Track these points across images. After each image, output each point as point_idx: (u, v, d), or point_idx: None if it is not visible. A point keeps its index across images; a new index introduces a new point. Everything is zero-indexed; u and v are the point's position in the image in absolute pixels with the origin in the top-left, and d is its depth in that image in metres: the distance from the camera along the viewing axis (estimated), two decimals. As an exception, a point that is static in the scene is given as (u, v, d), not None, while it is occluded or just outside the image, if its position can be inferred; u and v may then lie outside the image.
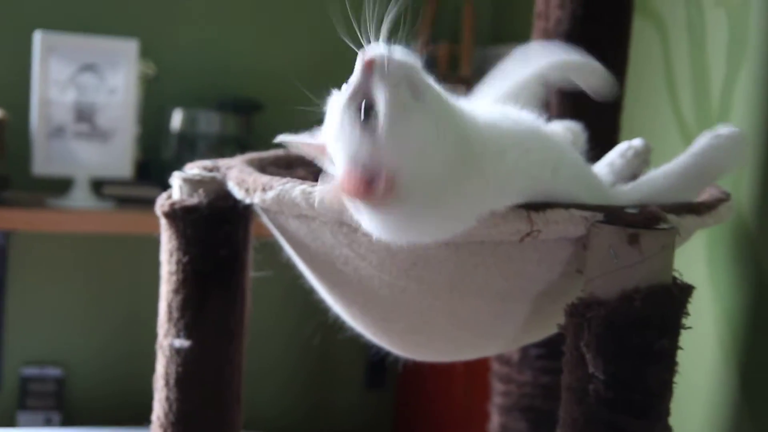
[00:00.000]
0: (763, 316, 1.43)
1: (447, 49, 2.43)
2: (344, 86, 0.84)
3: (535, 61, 1.11)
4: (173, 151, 2.24)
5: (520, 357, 1.53)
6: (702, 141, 0.99)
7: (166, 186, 1.11)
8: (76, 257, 2.40)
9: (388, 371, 2.72)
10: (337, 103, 0.84)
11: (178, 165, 2.16)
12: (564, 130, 1.26)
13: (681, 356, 0.87)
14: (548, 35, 1.42)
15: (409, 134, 0.80)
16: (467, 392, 2.21)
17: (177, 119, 2.23)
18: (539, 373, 1.52)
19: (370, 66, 0.82)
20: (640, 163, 1.21)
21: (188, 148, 2.23)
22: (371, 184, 0.79)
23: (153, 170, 2.29)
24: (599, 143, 1.16)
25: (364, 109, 0.80)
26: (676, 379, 0.87)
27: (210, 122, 2.24)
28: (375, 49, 0.83)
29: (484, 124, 0.88)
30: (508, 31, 2.50)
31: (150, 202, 1.12)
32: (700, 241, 1.56)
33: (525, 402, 1.54)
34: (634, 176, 1.21)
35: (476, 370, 1.90)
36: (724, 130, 0.99)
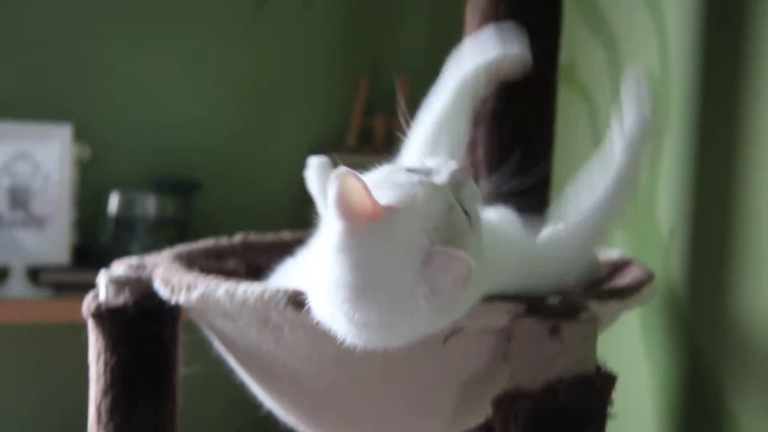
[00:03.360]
0: (698, 388, 1.43)
1: (383, 121, 2.45)
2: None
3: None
4: (111, 235, 2.22)
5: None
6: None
7: (106, 270, 1.10)
8: (14, 349, 2.35)
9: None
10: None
11: (117, 248, 2.14)
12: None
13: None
14: (474, 113, 1.41)
15: None
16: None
17: (114, 202, 2.21)
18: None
19: None
20: None
21: (126, 231, 2.20)
22: None
23: (92, 255, 2.26)
24: (528, 219, 1.17)
25: None
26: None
27: (147, 204, 2.22)
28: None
29: None
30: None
31: (90, 288, 1.11)
32: (634, 315, 1.57)
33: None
34: None
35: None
36: None
